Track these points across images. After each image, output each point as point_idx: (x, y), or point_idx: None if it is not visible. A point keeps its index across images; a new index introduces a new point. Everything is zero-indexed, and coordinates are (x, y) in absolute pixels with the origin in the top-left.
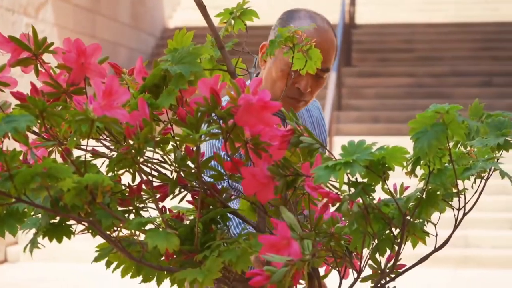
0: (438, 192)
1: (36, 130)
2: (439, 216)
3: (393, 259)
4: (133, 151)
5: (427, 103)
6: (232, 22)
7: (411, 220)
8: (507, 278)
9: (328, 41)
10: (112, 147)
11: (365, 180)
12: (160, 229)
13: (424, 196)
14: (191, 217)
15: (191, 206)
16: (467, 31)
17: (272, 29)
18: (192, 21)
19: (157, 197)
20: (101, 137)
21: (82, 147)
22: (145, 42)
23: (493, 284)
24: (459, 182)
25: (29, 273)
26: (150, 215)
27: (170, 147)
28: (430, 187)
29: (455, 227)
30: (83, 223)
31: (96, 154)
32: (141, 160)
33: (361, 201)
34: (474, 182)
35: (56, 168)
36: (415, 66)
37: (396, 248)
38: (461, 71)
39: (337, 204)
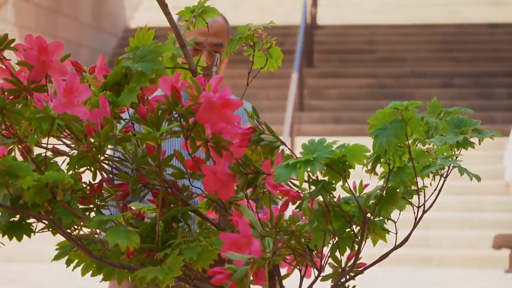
0: (398, 190)
1: None
2: (399, 214)
3: (354, 257)
4: (94, 149)
5: (388, 104)
6: (194, 20)
7: (371, 217)
8: (466, 278)
9: (217, 21)
10: (73, 145)
11: (326, 178)
12: (121, 227)
13: (384, 193)
14: (152, 215)
15: (151, 204)
16: (427, 32)
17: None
18: (154, 21)
19: (118, 195)
20: (61, 135)
21: (42, 145)
22: (107, 42)
23: (453, 283)
24: (419, 180)
25: None
26: (111, 213)
27: (131, 145)
28: (390, 185)
29: (415, 225)
30: (43, 221)
31: (56, 152)
32: (102, 158)
33: (321, 199)
34: (433, 179)
35: (16, 166)
36: (376, 67)
37: (356, 246)
38: (422, 72)
39: (298, 202)
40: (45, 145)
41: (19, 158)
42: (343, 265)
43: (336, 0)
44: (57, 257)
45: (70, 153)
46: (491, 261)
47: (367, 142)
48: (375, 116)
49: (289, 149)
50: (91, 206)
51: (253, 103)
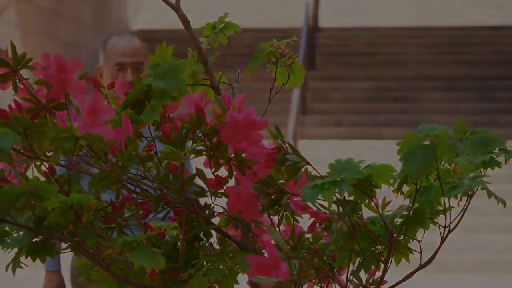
0: (425, 210)
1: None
2: (423, 233)
3: (380, 276)
4: (117, 168)
5: (390, 107)
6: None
7: (397, 237)
8: (470, 283)
9: (135, 42)
10: (92, 163)
11: (352, 197)
12: (144, 248)
13: (410, 214)
14: (174, 233)
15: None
16: (430, 35)
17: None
18: (156, 23)
19: (140, 213)
20: (81, 153)
21: (61, 162)
22: None
23: None
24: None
25: None
26: (131, 232)
27: (151, 163)
28: (416, 205)
29: (440, 245)
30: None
31: (78, 172)
32: (125, 177)
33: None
34: (460, 200)
35: (40, 187)
36: (379, 70)
37: (382, 265)
38: (425, 75)
39: (325, 223)
40: (64, 163)
41: (38, 176)
42: (365, 283)
43: (337, 3)
44: (78, 276)
45: (88, 171)
46: (501, 266)
47: (370, 145)
48: (404, 141)
49: (314, 169)
50: (113, 225)
51: (255, 106)
